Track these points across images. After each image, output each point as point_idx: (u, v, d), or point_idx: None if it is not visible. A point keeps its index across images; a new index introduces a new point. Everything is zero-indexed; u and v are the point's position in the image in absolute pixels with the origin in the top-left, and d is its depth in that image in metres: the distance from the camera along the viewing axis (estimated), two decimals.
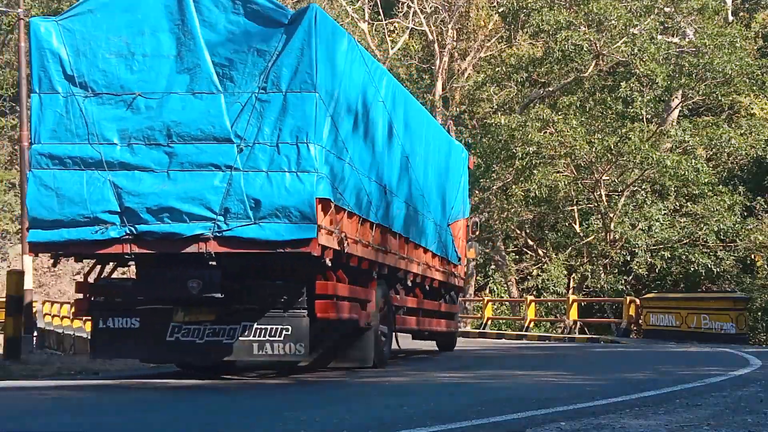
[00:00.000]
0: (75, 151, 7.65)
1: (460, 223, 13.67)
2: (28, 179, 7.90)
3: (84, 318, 16.29)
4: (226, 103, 7.57)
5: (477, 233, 17.06)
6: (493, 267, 27.28)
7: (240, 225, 7.46)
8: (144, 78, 7.68)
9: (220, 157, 7.52)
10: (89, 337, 8.72)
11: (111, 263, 8.81)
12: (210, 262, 7.85)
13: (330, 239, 7.73)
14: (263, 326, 7.97)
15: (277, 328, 7.96)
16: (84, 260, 9.18)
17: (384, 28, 34.78)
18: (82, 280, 8.90)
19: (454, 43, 33.31)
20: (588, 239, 23.44)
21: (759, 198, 24.05)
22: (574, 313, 19.37)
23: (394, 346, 10.58)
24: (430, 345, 15.39)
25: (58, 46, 7.67)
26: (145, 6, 7.70)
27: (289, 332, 7.92)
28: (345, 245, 8.06)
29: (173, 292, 7.83)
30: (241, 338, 8.00)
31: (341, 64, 8.01)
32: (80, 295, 8.57)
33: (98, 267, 8.66)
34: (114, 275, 9.10)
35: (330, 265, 7.87)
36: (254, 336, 7.97)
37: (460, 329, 22.35)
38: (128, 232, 7.58)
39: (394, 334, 10.55)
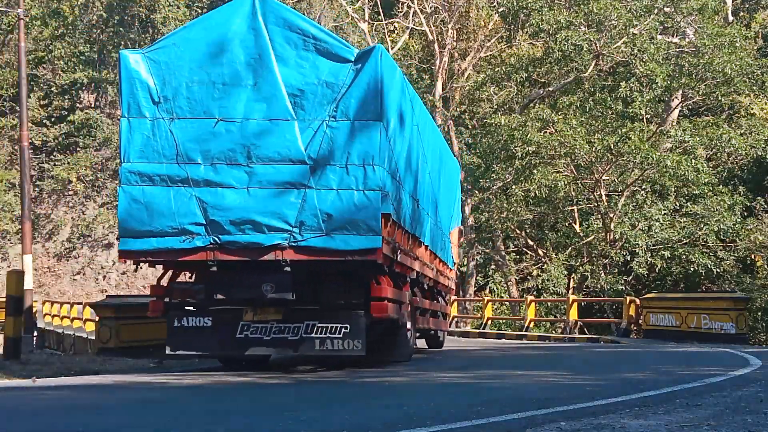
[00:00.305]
0: (162, 170, 8.63)
1: (454, 230, 14.87)
2: (118, 194, 8.80)
3: (85, 318, 16.38)
4: (300, 129, 8.63)
5: (462, 240, 18.72)
6: (493, 267, 27.27)
7: (314, 236, 8.53)
8: (224, 105, 8.68)
9: (295, 176, 8.57)
10: (167, 335, 9.44)
11: (177, 269, 9.59)
12: (285, 268, 8.67)
13: (388, 248, 8.81)
14: (325, 324, 8.98)
15: (337, 326, 8.97)
16: (153, 266, 9.96)
17: (384, 28, 34.76)
18: (155, 284, 9.60)
19: (454, 43, 33.30)
20: (588, 239, 23.42)
21: (759, 198, 24.04)
22: (574, 313, 19.36)
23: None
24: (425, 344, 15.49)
25: (146, 76, 8.65)
26: (224, 40, 8.70)
27: (348, 330, 8.95)
28: (397, 254, 9.28)
29: (249, 293, 8.88)
30: (304, 335, 9.00)
31: (395, 95, 9.17)
32: (154, 298, 9.42)
33: (169, 272, 9.52)
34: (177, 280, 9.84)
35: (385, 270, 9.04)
36: (316, 333, 8.99)
37: (459, 329, 22.39)
38: (213, 241, 8.61)
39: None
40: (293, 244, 8.57)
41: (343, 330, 8.96)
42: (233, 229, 8.58)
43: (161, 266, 9.65)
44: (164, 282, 9.50)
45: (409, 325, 10.60)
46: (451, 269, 14.76)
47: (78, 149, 37.78)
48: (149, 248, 8.71)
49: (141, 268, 9.94)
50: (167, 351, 9.45)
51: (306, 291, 9.02)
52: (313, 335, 9.01)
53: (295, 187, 8.60)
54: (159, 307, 9.40)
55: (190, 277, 10.02)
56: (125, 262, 10.27)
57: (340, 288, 9.22)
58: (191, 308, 9.25)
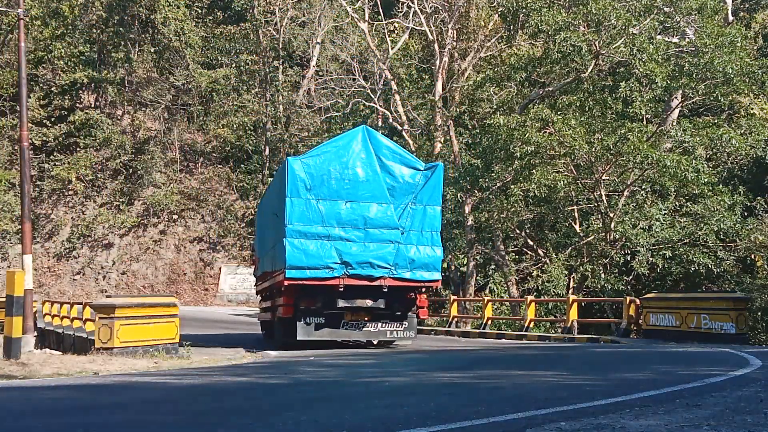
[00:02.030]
0: (313, 230, 14.06)
1: None
2: (285, 245, 13.90)
3: (85, 318, 16.43)
4: (394, 208, 14.53)
5: None
6: (493, 267, 27.25)
7: (404, 272, 14.43)
8: (350, 193, 14.34)
9: (392, 236, 14.44)
10: (296, 328, 14.38)
11: (304, 292, 14.44)
12: (383, 290, 14.38)
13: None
14: (393, 322, 14.77)
15: (400, 323, 14.83)
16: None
17: (384, 28, 34.78)
18: (287, 301, 14.56)
19: (454, 43, 33.30)
20: (588, 239, 23.40)
21: (759, 198, 24.03)
22: (574, 313, 19.35)
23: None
24: (424, 344, 15.49)
25: (303, 175, 14.11)
26: (348, 155, 14.43)
27: (407, 326, 14.88)
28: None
29: (362, 303, 14.48)
30: (381, 328, 14.79)
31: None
32: (287, 306, 14.54)
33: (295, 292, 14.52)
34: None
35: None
36: (387, 327, 14.79)
37: (459, 329, 22.40)
38: (345, 273, 14.12)
39: None
40: (391, 276, 14.39)
41: (404, 325, 14.87)
42: (357, 267, 14.17)
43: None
44: (291, 300, 14.43)
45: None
46: None
47: (78, 149, 37.78)
48: (305, 276, 13.99)
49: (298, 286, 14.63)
50: (298, 338, 14.31)
51: (387, 302, 14.62)
52: (386, 328, 14.82)
53: (392, 243, 14.44)
54: (290, 312, 14.47)
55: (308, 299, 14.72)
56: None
57: (402, 303, 14.90)
58: (313, 312, 14.42)
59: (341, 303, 14.28)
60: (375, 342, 15.87)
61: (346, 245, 14.09)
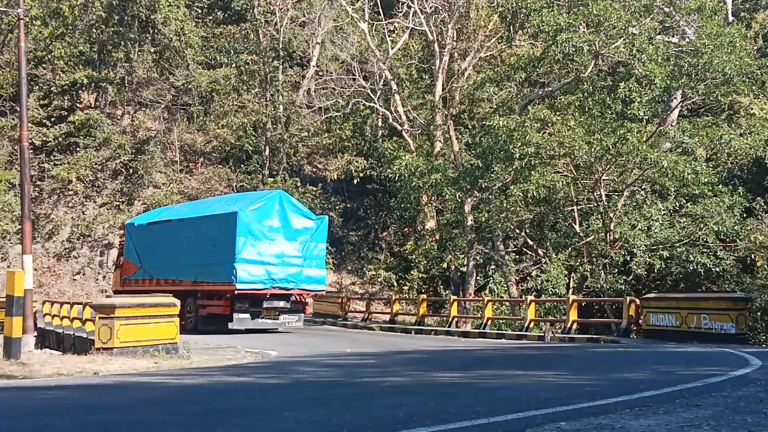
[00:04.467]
0: (253, 258, 20.01)
1: None
2: (236, 267, 19.87)
3: (85, 318, 16.43)
4: (298, 245, 20.99)
5: None
6: (493, 267, 27.25)
7: (303, 285, 21.11)
8: (273, 236, 20.55)
9: (297, 263, 20.90)
10: (232, 320, 20.46)
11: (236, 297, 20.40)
12: (290, 296, 21.24)
13: None
14: (292, 315, 21.29)
15: (296, 316, 21.49)
16: None
17: (384, 28, 34.78)
18: (224, 303, 20.84)
19: (454, 43, 33.31)
20: (588, 239, 23.38)
21: (759, 198, 24.01)
22: (574, 313, 19.34)
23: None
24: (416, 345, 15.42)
25: (247, 221, 20.02)
26: (270, 212, 20.62)
27: (299, 318, 21.57)
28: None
29: (277, 304, 20.99)
30: (284, 320, 21.24)
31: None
32: (225, 306, 20.61)
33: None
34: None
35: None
36: (288, 318, 21.26)
37: (459, 329, 22.42)
38: (272, 286, 20.32)
39: None
40: (298, 287, 21.06)
41: (298, 316, 21.61)
42: (279, 281, 20.54)
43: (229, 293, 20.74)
44: (228, 302, 20.50)
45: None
46: None
47: (78, 149, 37.77)
48: (249, 288, 19.93)
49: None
50: (230, 327, 20.17)
51: (289, 303, 21.33)
52: (286, 319, 21.26)
53: (297, 267, 20.95)
54: (228, 310, 20.39)
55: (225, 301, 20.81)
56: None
57: (298, 304, 21.85)
58: (242, 310, 20.45)
59: (265, 304, 20.73)
60: (280, 329, 21.73)
61: (271, 268, 20.36)
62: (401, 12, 34.09)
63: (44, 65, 38.87)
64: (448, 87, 32.57)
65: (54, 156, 37.12)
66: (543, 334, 19.13)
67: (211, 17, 44.12)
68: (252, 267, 19.85)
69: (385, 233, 37.67)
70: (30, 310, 15.99)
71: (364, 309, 27.90)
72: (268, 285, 20.16)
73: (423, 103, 34.08)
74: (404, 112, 33.30)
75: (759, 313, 20.59)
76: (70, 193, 37.53)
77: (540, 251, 25.34)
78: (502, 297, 25.32)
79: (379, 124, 38.71)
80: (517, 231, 26.00)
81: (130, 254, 24.64)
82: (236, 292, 19.69)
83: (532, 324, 20.58)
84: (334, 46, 38.19)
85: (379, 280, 33.62)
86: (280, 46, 39.89)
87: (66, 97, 38.53)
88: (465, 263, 28.70)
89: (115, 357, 12.38)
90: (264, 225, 20.27)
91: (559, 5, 23.70)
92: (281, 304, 20.91)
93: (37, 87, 38.32)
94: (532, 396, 6.65)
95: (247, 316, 20.26)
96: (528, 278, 25.51)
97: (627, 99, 23.40)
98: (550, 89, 25.81)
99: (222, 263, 20.02)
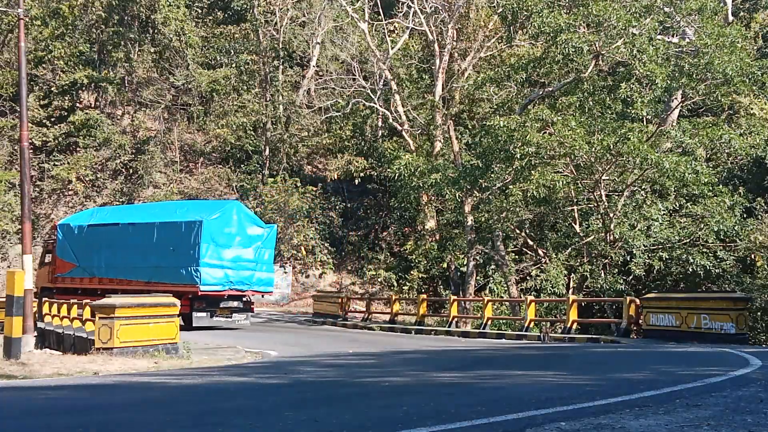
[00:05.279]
0: (215, 262, 21.43)
1: None
2: (200, 271, 21.18)
3: (85, 318, 16.41)
4: (252, 251, 22.49)
5: None
6: (493, 267, 27.25)
7: (255, 287, 22.58)
8: (230, 242, 21.96)
9: (250, 267, 22.39)
10: (192, 320, 21.99)
11: (195, 299, 21.85)
12: (244, 297, 22.77)
13: None
14: (242, 314, 22.66)
15: (245, 314, 22.73)
16: None
17: (384, 28, 34.77)
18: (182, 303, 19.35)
19: (454, 43, 33.30)
20: (588, 239, 23.37)
21: (759, 198, 24.00)
22: (574, 313, 19.33)
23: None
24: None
25: (208, 227, 21.45)
26: (229, 220, 22.19)
27: (247, 316, 22.86)
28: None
29: (233, 304, 22.51)
30: (236, 318, 22.49)
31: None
32: (182, 306, 18.95)
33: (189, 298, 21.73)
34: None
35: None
36: (239, 317, 22.58)
37: (459, 329, 22.43)
38: (229, 287, 21.77)
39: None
40: (251, 288, 22.48)
41: (245, 315, 22.68)
42: (237, 283, 21.96)
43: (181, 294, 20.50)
44: (187, 302, 21.25)
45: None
46: None
47: (78, 149, 37.76)
48: (211, 290, 21.32)
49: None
50: (193, 325, 21.31)
51: (241, 302, 22.73)
52: (237, 318, 22.47)
53: (250, 270, 22.35)
54: (188, 309, 21.09)
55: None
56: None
57: (248, 303, 23.04)
58: (201, 310, 21.90)
59: (222, 304, 22.18)
60: (233, 326, 22.73)
61: (229, 271, 21.84)
62: (401, 12, 34.09)
63: (44, 65, 38.87)
64: (448, 87, 32.56)
65: (54, 156, 37.11)
66: (540, 335, 19.12)
67: (211, 17, 44.12)
68: (214, 270, 21.40)
69: (385, 233, 37.68)
70: (30, 310, 15.99)
71: (364, 309, 27.90)
72: (226, 287, 21.70)
73: (423, 103, 34.08)
74: (404, 112, 33.30)
75: (759, 313, 20.59)
76: (70, 193, 37.53)
77: (540, 251, 25.33)
78: (502, 297, 25.32)
79: (379, 124, 38.71)
80: (517, 231, 26.00)
81: (64, 253, 25.64)
82: (199, 293, 21.26)
83: (532, 324, 20.57)
84: (334, 46, 38.19)
85: (379, 280, 33.64)
86: (280, 46, 39.89)
87: (66, 97, 38.53)
88: (465, 263, 28.69)
89: (115, 357, 12.38)
90: (224, 232, 21.87)
91: (560, 5, 23.68)
92: (235, 304, 22.47)
93: (37, 87, 38.33)
94: (532, 396, 6.65)
95: (205, 314, 21.79)
96: (528, 278, 25.50)
97: (628, 99, 23.39)
98: (550, 89, 25.80)
99: (184, 266, 21.61)
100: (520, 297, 23.55)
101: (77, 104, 39.36)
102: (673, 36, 24.74)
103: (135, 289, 21.48)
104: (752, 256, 22.89)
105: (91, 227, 25.30)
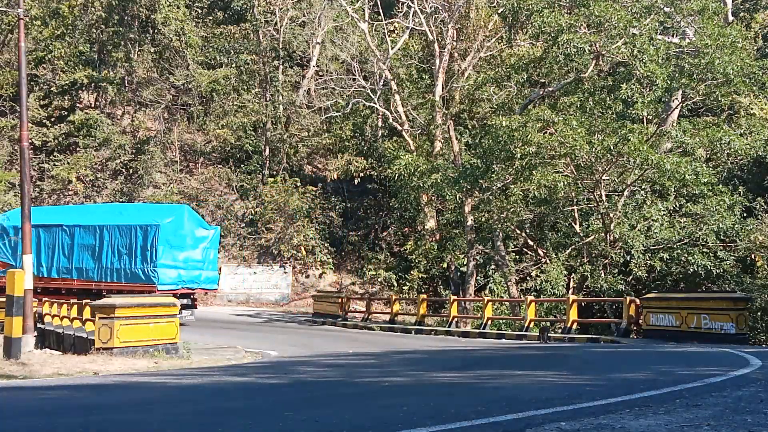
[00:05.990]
0: (170, 263, 23.03)
1: None
2: (157, 272, 22.83)
3: (85, 318, 16.40)
4: (199, 252, 24.20)
5: None
6: (493, 267, 27.25)
7: (202, 284, 24.54)
8: (182, 244, 23.53)
9: (198, 267, 24.13)
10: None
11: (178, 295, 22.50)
12: (192, 295, 24.28)
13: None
14: (187, 310, 22.83)
15: (190, 311, 23.52)
16: None
17: (384, 28, 34.76)
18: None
19: (454, 43, 33.28)
20: (588, 239, 23.37)
21: (759, 198, 23.98)
22: (574, 313, 19.34)
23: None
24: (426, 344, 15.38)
25: (164, 231, 23.03)
26: (181, 224, 23.74)
27: (192, 313, 23.73)
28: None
29: (183, 301, 21.57)
30: (183, 314, 20.00)
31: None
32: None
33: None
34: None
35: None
36: (185, 313, 22.09)
37: (459, 329, 22.42)
38: (182, 286, 23.33)
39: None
40: (198, 287, 24.31)
41: (191, 311, 23.52)
42: (188, 282, 23.57)
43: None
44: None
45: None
46: None
47: (78, 149, 37.76)
48: (167, 288, 22.23)
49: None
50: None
51: (187, 299, 23.44)
52: (185, 314, 21.74)
53: (198, 270, 23.99)
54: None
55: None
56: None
57: (193, 300, 24.10)
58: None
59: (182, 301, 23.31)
60: (181, 321, 24.22)
61: (182, 271, 23.37)
62: (401, 12, 34.08)
63: (44, 65, 38.87)
64: (448, 87, 32.55)
65: (54, 156, 37.11)
66: (539, 335, 19.13)
67: (211, 17, 44.10)
68: (169, 271, 23.00)
69: (385, 233, 37.67)
70: (30, 310, 15.98)
71: (364, 309, 27.90)
72: (179, 286, 23.19)
73: (423, 103, 34.06)
74: (404, 112, 33.29)
75: (759, 313, 20.59)
76: (70, 193, 37.53)
77: (540, 251, 25.32)
78: (502, 297, 25.32)
79: (379, 124, 38.70)
80: (517, 231, 25.99)
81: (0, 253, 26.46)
82: (157, 292, 22.51)
83: (532, 324, 20.57)
84: (334, 46, 38.19)
85: (379, 280, 33.64)
86: (280, 46, 39.89)
87: (66, 97, 38.53)
88: (465, 263, 28.68)
89: (115, 357, 12.38)
90: (177, 235, 23.44)
91: (560, 6, 23.67)
92: (185, 301, 23.35)
93: (37, 87, 38.32)
94: (532, 396, 6.65)
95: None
96: (528, 278, 25.51)
97: (628, 99, 23.38)
98: (550, 89, 25.79)
99: (140, 267, 23.17)
100: (520, 297, 23.55)
101: (77, 104, 39.36)
102: (673, 36, 24.73)
103: (84, 288, 23.42)
104: (752, 256, 22.90)
105: (33, 228, 25.49)
